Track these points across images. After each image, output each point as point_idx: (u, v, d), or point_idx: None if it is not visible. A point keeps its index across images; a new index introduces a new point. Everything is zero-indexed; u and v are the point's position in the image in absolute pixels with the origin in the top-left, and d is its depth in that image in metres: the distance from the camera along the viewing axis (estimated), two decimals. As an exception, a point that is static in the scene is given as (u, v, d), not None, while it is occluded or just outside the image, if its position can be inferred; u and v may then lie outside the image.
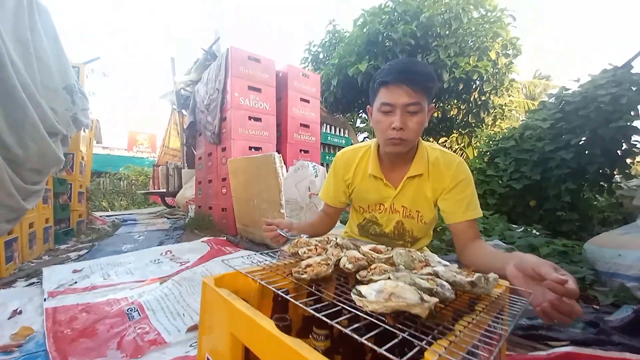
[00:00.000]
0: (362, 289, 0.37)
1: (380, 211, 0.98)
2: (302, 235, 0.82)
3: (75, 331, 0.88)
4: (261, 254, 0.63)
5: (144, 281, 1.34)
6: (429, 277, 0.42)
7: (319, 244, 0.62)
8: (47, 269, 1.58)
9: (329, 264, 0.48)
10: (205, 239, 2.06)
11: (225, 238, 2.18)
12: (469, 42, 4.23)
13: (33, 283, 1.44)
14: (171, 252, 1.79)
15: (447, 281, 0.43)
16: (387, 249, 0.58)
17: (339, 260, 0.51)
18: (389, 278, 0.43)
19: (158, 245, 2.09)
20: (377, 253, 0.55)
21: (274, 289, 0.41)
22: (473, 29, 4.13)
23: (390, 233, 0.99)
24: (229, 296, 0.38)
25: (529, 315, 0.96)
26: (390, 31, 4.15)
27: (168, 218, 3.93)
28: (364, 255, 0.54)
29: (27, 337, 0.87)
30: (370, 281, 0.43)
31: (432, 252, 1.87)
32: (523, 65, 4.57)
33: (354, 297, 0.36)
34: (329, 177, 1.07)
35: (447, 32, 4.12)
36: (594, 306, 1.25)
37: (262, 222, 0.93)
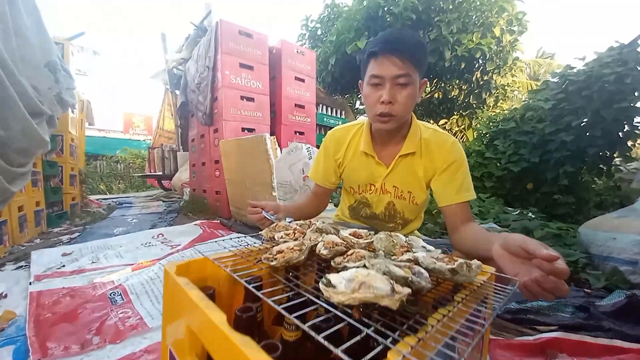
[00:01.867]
0: (332, 277, 0.34)
1: (370, 192, 0.95)
2: (287, 219, 0.79)
3: (56, 315, 0.87)
4: (252, 236, 0.61)
5: (133, 264, 1.33)
6: (407, 264, 0.39)
7: (299, 228, 0.59)
8: (35, 252, 1.57)
9: (302, 249, 0.44)
10: (198, 222, 2.05)
11: (218, 221, 2.16)
12: (473, 17, 4.04)
13: (22, 266, 1.43)
14: (163, 235, 1.78)
15: (426, 268, 0.40)
16: (369, 234, 0.55)
17: (316, 245, 0.48)
18: (364, 266, 0.40)
19: (150, 228, 2.07)
20: (357, 238, 0.52)
21: (237, 277, 0.38)
22: (478, 2, 3.92)
23: (381, 214, 0.97)
24: (186, 285, 0.35)
25: (518, 299, 0.95)
26: (391, 5, 3.95)
27: (164, 201, 3.92)
28: (343, 240, 0.51)
29: (9, 322, 0.86)
30: (344, 268, 0.40)
31: (425, 234, 1.86)
32: (527, 43, 4.40)
33: (321, 286, 0.33)
34: (318, 156, 1.04)
35: (451, 7, 3.92)
36: (585, 290, 1.25)
37: (247, 205, 0.90)
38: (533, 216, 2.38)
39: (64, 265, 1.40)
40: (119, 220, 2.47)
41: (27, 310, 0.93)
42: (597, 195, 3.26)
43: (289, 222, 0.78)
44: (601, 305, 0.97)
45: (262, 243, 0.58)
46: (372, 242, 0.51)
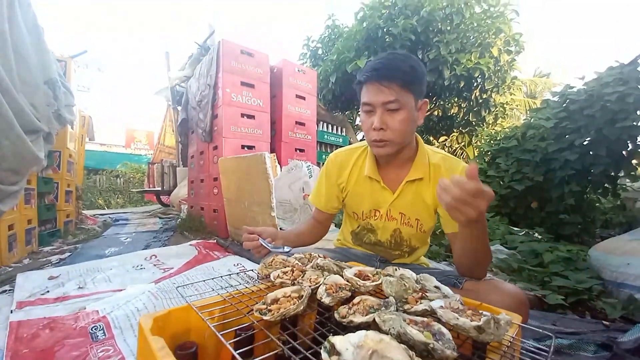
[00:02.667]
0: (337, 341, 0.28)
1: (375, 218, 0.89)
2: (286, 248, 0.74)
3: (33, 352, 0.79)
4: (240, 273, 0.55)
5: (121, 290, 1.25)
6: (424, 320, 0.33)
7: (298, 264, 0.53)
8: (21, 275, 1.49)
9: (302, 296, 0.39)
10: (193, 242, 1.97)
11: (215, 241, 2.09)
12: (471, 37, 4.12)
13: (6, 291, 1.35)
14: (156, 257, 1.70)
15: (447, 323, 0.34)
16: (377, 272, 0.49)
17: (317, 288, 0.42)
18: (374, 321, 0.34)
19: (144, 248, 2.00)
20: (364, 279, 0.46)
21: (221, 337, 0.32)
22: (475, 24, 4.02)
23: (387, 242, 0.91)
24: (160, 350, 0.29)
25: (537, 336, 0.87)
26: (390, 26, 4.04)
27: (161, 218, 3.84)
28: (347, 281, 0.45)
29: (-18, 358, 0.78)
30: (350, 324, 0.34)
31: (430, 257, 1.78)
32: (524, 63, 4.47)
33: (323, 355, 0.27)
34: (320, 180, 0.98)
35: (449, 28, 4.01)
36: (604, 322, 1.17)
37: (243, 230, 0.84)
38: (539, 236, 2.30)
39: (48, 291, 1.32)
40: (113, 240, 2.40)
41: (5, 343, 0.85)
42: (603, 214, 3.20)
43: (287, 251, 0.73)
44: (623, 342, 0.89)
45: (257, 280, 0.52)
46: (380, 283, 0.45)
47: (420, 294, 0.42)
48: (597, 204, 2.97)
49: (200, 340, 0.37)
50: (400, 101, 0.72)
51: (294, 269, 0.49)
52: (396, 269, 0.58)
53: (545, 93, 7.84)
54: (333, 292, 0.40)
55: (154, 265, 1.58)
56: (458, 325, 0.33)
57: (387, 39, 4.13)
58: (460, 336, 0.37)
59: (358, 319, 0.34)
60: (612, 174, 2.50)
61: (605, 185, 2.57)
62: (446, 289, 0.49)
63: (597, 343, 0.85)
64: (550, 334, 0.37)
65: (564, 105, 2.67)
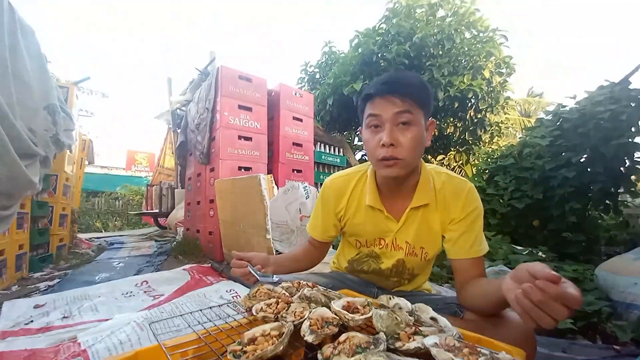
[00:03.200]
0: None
1: (381, 246, 0.83)
2: (275, 277, 0.70)
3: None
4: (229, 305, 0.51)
5: (108, 319, 1.19)
6: (416, 361, 0.30)
7: (285, 294, 0.50)
8: (7, 303, 1.44)
9: (281, 334, 0.35)
10: (187, 266, 1.92)
11: (209, 265, 2.03)
12: (463, 61, 4.26)
13: (-10, 320, 1.29)
14: (147, 283, 1.64)
15: (441, 364, 0.31)
16: (368, 303, 0.46)
17: (301, 323, 0.39)
18: (360, 363, 0.30)
19: (136, 273, 1.93)
20: (353, 312, 0.42)
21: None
22: (466, 48, 4.17)
23: (387, 270, 0.85)
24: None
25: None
26: (384, 51, 4.19)
27: (157, 240, 3.77)
28: (335, 315, 0.42)
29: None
30: (334, 366, 0.31)
31: (431, 279, 1.72)
32: (516, 84, 4.59)
33: (299, 409, 0.24)
34: (316, 209, 0.92)
35: (441, 52, 4.15)
36: (615, 347, 1.10)
37: (233, 255, 0.81)
38: (544, 255, 2.24)
39: (32, 321, 1.26)
40: (104, 265, 2.33)
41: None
42: (606, 231, 3.14)
43: (276, 280, 0.69)
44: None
45: (240, 314, 0.49)
46: (371, 316, 0.41)
47: (414, 328, 0.38)
48: (600, 222, 2.92)
49: (172, 385, 0.34)
50: (413, 114, 0.66)
51: (279, 300, 0.46)
52: (390, 298, 0.54)
53: (539, 112, 8.00)
54: (318, 329, 0.37)
55: (144, 292, 1.52)
56: (453, 367, 0.30)
57: (381, 64, 4.27)
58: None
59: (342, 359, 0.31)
60: (612, 190, 2.48)
61: (606, 202, 2.55)
62: (444, 321, 0.45)
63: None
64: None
65: (558, 123, 2.70)
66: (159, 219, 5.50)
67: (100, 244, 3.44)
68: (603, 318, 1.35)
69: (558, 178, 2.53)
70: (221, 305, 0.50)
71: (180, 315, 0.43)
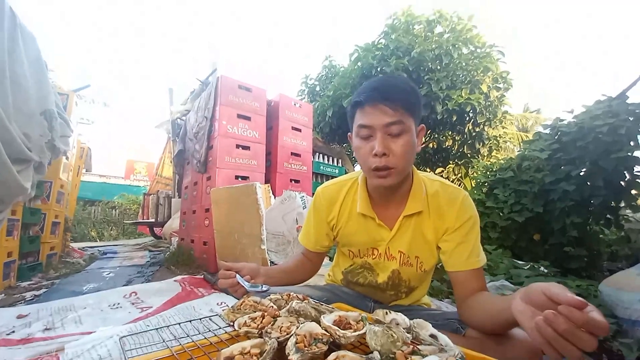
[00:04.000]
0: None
1: (374, 256, 0.81)
2: (264, 287, 0.66)
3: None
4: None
5: (91, 332, 1.13)
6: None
7: (273, 307, 0.46)
8: (-11, 313, 1.37)
9: (263, 352, 0.32)
10: (179, 277, 1.85)
11: (202, 276, 1.96)
12: (460, 75, 4.33)
13: (-30, 331, 1.23)
14: (136, 294, 1.58)
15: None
16: (362, 318, 0.42)
17: (287, 341, 0.35)
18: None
19: (125, 284, 1.87)
20: (345, 328, 0.39)
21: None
22: (464, 63, 4.24)
23: (383, 283, 0.82)
24: None
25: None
26: (383, 65, 4.26)
27: (151, 250, 3.70)
28: (325, 331, 0.38)
29: None
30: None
31: (431, 294, 1.66)
32: (514, 100, 4.64)
33: None
34: (308, 218, 0.90)
35: (439, 67, 4.22)
36: (623, 367, 1.04)
37: (220, 266, 0.77)
38: (546, 270, 2.19)
39: (14, 331, 1.21)
40: (94, 274, 2.26)
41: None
42: (608, 246, 3.09)
43: (265, 290, 0.65)
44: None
45: (222, 328, 0.45)
46: (364, 333, 0.38)
47: (412, 347, 0.35)
48: (601, 236, 2.88)
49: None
50: (404, 123, 0.66)
51: (265, 314, 0.42)
52: (387, 313, 0.50)
53: (537, 127, 8.08)
54: (305, 347, 0.33)
55: (132, 304, 1.46)
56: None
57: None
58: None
59: (330, 383, 0.27)
60: (613, 204, 2.45)
61: (607, 216, 2.52)
62: (444, 339, 0.41)
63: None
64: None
65: (556, 137, 2.70)
66: (154, 228, 5.43)
67: (92, 254, 3.36)
68: (609, 336, 1.30)
69: (558, 191, 2.51)
70: (202, 318, 0.46)
71: (156, 329, 0.40)
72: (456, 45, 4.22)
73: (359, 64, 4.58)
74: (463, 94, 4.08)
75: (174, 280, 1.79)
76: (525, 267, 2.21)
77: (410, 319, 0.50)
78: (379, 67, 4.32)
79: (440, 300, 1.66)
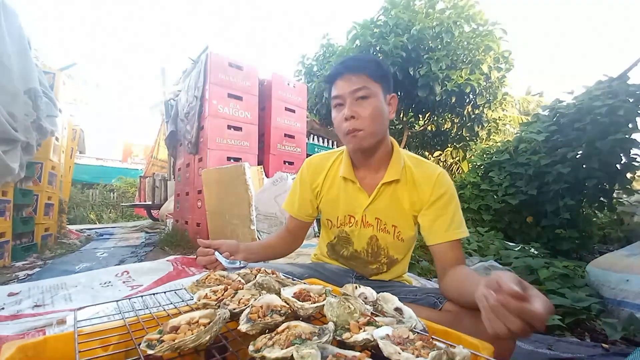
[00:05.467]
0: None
1: (350, 224, 0.84)
2: (241, 263, 0.66)
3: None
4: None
5: (81, 308, 1.15)
6: (358, 355, 0.25)
7: (240, 280, 0.45)
8: (-20, 291, 1.39)
9: (211, 323, 0.31)
10: (171, 257, 1.87)
11: (195, 257, 1.98)
12: (461, 55, 4.19)
13: (-38, 308, 1.25)
14: (128, 273, 1.59)
15: (388, 359, 0.26)
16: (325, 291, 0.42)
17: (242, 313, 0.34)
18: (292, 357, 0.26)
19: (118, 263, 1.89)
20: (304, 300, 0.38)
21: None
22: (465, 42, 4.09)
23: (363, 251, 0.84)
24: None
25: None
26: (382, 44, 4.11)
27: (147, 232, 3.72)
28: (285, 303, 0.37)
29: None
30: (262, 359, 0.26)
31: (420, 274, 1.69)
32: (515, 81, 4.54)
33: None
34: (294, 185, 0.93)
35: (439, 46, 4.08)
36: (603, 345, 1.07)
37: (199, 244, 0.77)
38: (536, 252, 2.21)
39: (3, 308, 1.23)
40: (88, 254, 2.28)
41: None
42: (600, 229, 3.12)
43: (243, 267, 0.64)
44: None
45: (185, 301, 0.44)
46: (323, 305, 0.37)
47: (368, 318, 0.34)
48: (594, 219, 2.90)
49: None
50: (369, 89, 0.73)
51: (228, 287, 0.41)
52: (357, 287, 0.50)
53: (540, 109, 7.94)
54: (259, 317, 0.32)
55: (123, 282, 1.47)
56: (399, 363, 0.26)
57: (379, 56, 4.19)
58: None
59: (273, 353, 0.26)
60: (607, 187, 2.45)
61: (601, 199, 2.52)
62: (409, 312, 0.41)
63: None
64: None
65: (554, 119, 2.66)
66: (152, 211, 5.45)
67: (89, 235, 3.38)
68: (592, 315, 1.33)
69: (553, 174, 2.49)
70: (167, 292, 0.45)
71: (116, 301, 0.39)
72: (458, 23, 4.05)
73: (357, 42, 4.42)
74: (463, 75, 3.97)
75: (166, 260, 1.81)
76: (516, 249, 2.23)
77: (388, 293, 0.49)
78: (378, 46, 4.16)
79: (429, 279, 1.68)
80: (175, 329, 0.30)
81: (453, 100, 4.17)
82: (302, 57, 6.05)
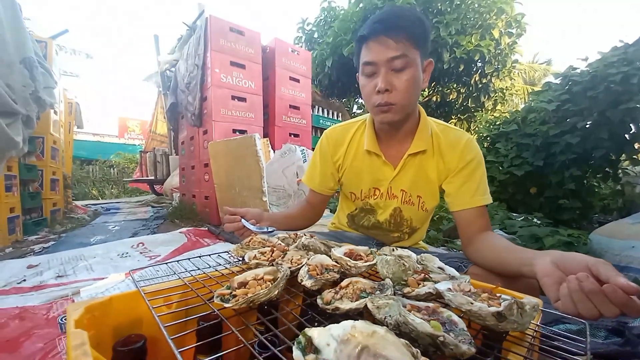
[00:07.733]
0: (314, 334, 0.21)
1: (375, 197, 0.83)
2: (270, 229, 0.66)
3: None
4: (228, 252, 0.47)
5: (103, 278, 1.19)
6: (430, 308, 0.26)
7: (280, 244, 0.46)
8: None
9: (276, 279, 0.31)
10: (183, 229, 1.90)
11: (206, 228, 2.02)
12: (472, 19, 3.98)
13: (-18, 280, 1.28)
14: (143, 245, 1.63)
15: (458, 310, 0.27)
16: (371, 251, 0.42)
17: (298, 271, 0.35)
18: (366, 307, 0.26)
19: (131, 236, 1.92)
20: (355, 259, 0.38)
21: (164, 330, 0.25)
22: (476, 4, 3.87)
23: (386, 222, 0.85)
24: (76, 349, 0.21)
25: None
26: (388, 5, 3.88)
27: (153, 207, 3.76)
28: (336, 262, 0.38)
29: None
30: (335, 311, 0.27)
31: (428, 242, 1.73)
32: (524, 47, 4.33)
33: (295, 353, 0.20)
34: (314, 159, 0.91)
35: (449, 8, 3.85)
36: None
37: (225, 211, 0.77)
38: (539, 222, 2.26)
39: (25, 280, 1.26)
40: (100, 228, 2.32)
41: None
42: (601, 199, 3.17)
43: (270, 232, 0.65)
44: (635, 326, 0.85)
45: (233, 263, 0.45)
46: (375, 263, 0.37)
47: (423, 275, 0.35)
48: (596, 190, 2.93)
49: (154, 332, 0.30)
50: (408, 57, 0.63)
51: (274, 249, 0.42)
52: (394, 249, 0.51)
53: (545, 79, 7.71)
54: (317, 274, 0.33)
55: (140, 253, 1.51)
56: (473, 312, 0.26)
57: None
58: (473, 325, 0.30)
59: (345, 305, 0.27)
60: (614, 157, 2.44)
61: (606, 169, 2.52)
62: (452, 270, 0.42)
63: (607, 328, 0.80)
64: (582, 321, 0.30)
65: (567, 87, 2.58)
66: (155, 186, 5.46)
67: (96, 210, 3.42)
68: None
69: (561, 144, 2.47)
70: (211, 255, 0.46)
71: (166, 263, 0.40)
72: (469, -17, 3.81)
73: (361, 4, 4.17)
74: (473, 40, 3.79)
75: (180, 232, 1.84)
76: (519, 219, 2.28)
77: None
78: (384, 8, 3.94)
79: (437, 247, 1.73)
80: (243, 285, 0.31)
81: (461, 69, 4.03)
82: (302, 22, 5.74)
